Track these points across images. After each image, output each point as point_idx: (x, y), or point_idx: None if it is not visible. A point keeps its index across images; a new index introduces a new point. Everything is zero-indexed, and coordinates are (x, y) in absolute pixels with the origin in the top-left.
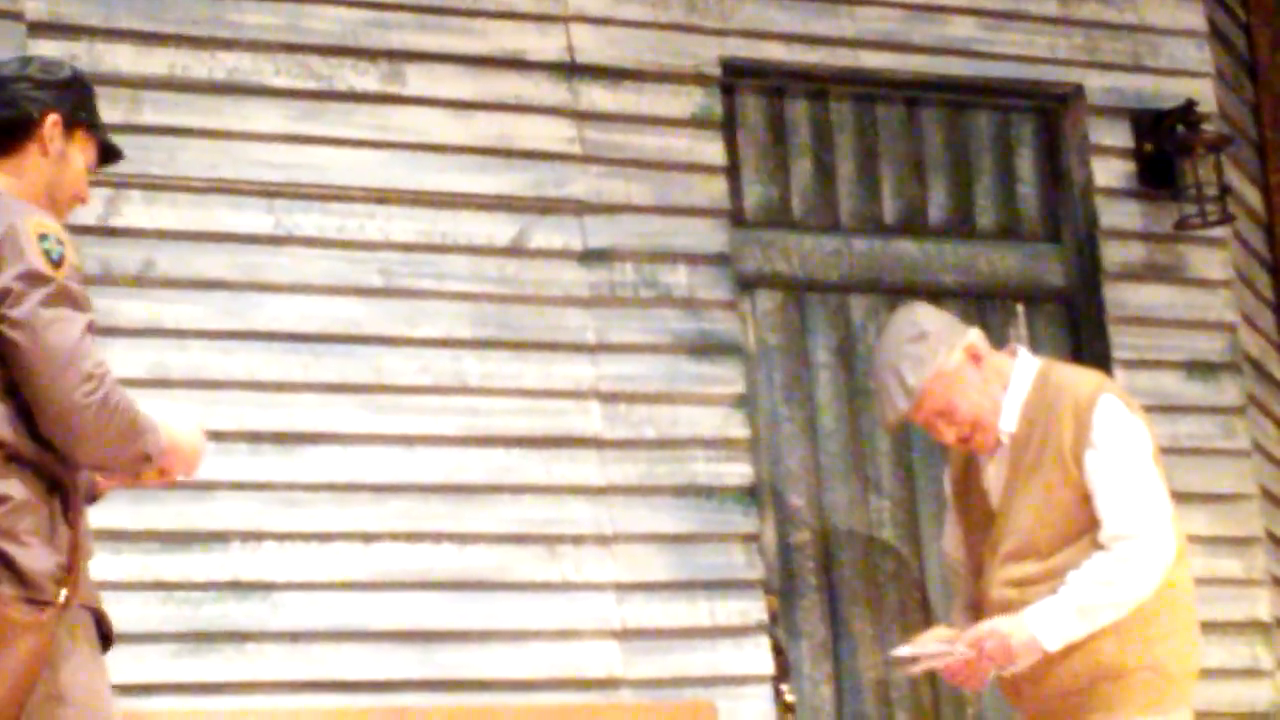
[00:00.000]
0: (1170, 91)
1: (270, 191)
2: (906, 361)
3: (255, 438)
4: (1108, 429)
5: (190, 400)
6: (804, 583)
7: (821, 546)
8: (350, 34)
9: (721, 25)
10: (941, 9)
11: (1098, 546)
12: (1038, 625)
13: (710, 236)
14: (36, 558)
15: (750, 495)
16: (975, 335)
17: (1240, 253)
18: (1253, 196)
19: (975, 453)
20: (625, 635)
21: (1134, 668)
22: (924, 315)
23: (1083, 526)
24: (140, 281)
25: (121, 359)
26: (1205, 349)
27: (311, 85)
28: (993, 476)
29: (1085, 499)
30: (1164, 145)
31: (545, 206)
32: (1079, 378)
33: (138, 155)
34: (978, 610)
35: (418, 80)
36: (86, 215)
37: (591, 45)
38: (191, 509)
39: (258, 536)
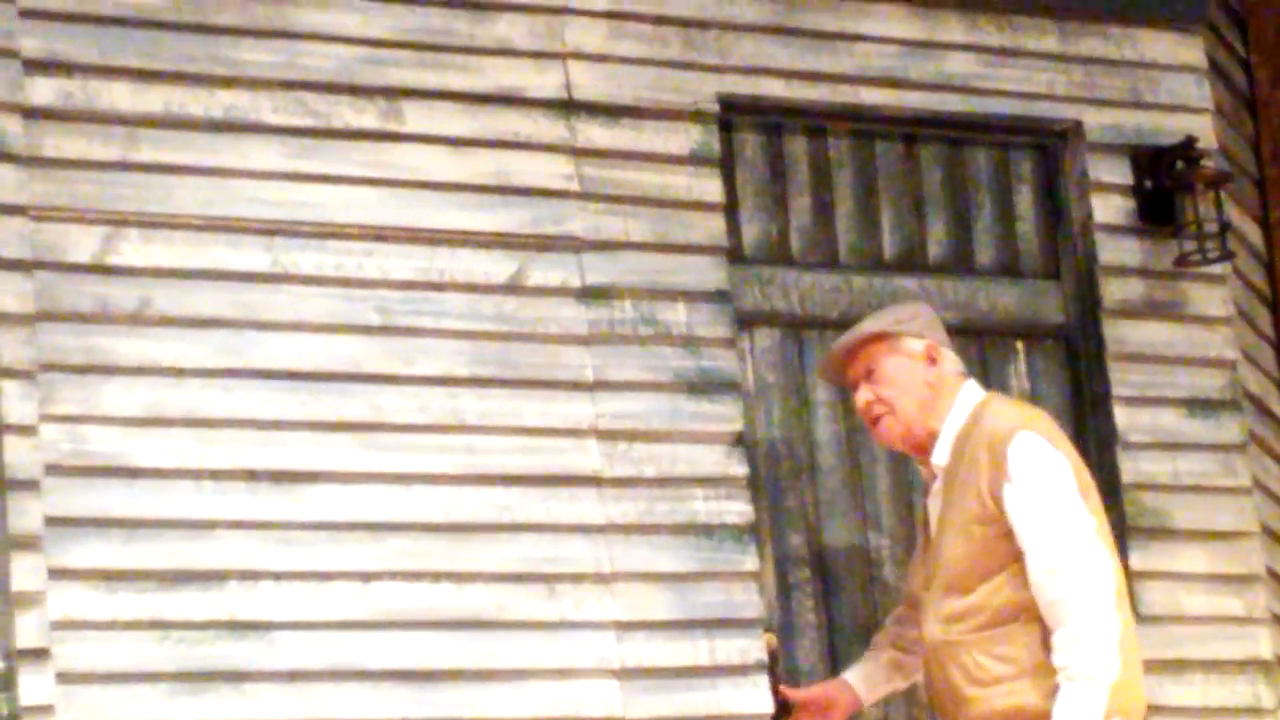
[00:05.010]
0: (1170, 127)
1: (268, 229)
2: (869, 317)
3: (252, 476)
4: (1023, 464)
5: (187, 439)
6: (803, 621)
7: (821, 585)
8: (348, 71)
9: (719, 62)
10: (940, 45)
11: (1016, 578)
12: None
13: (709, 274)
14: None
15: (749, 533)
16: (950, 355)
17: (1240, 289)
18: (1253, 233)
19: (879, 442)
20: (625, 674)
21: (1049, 712)
22: (913, 304)
23: (1002, 562)
24: (137, 320)
25: (118, 398)
26: (1206, 386)
27: (309, 123)
28: (932, 508)
29: (1004, 535)
30: (1164, 181)
31: (543, 244)
32: (1003, 415)
33: (134, 193)
34: (894, 647)
35: (415, 118)
36: (82, 253)
37: (589, 82)
38: (188, 548)
39: (255, 575)
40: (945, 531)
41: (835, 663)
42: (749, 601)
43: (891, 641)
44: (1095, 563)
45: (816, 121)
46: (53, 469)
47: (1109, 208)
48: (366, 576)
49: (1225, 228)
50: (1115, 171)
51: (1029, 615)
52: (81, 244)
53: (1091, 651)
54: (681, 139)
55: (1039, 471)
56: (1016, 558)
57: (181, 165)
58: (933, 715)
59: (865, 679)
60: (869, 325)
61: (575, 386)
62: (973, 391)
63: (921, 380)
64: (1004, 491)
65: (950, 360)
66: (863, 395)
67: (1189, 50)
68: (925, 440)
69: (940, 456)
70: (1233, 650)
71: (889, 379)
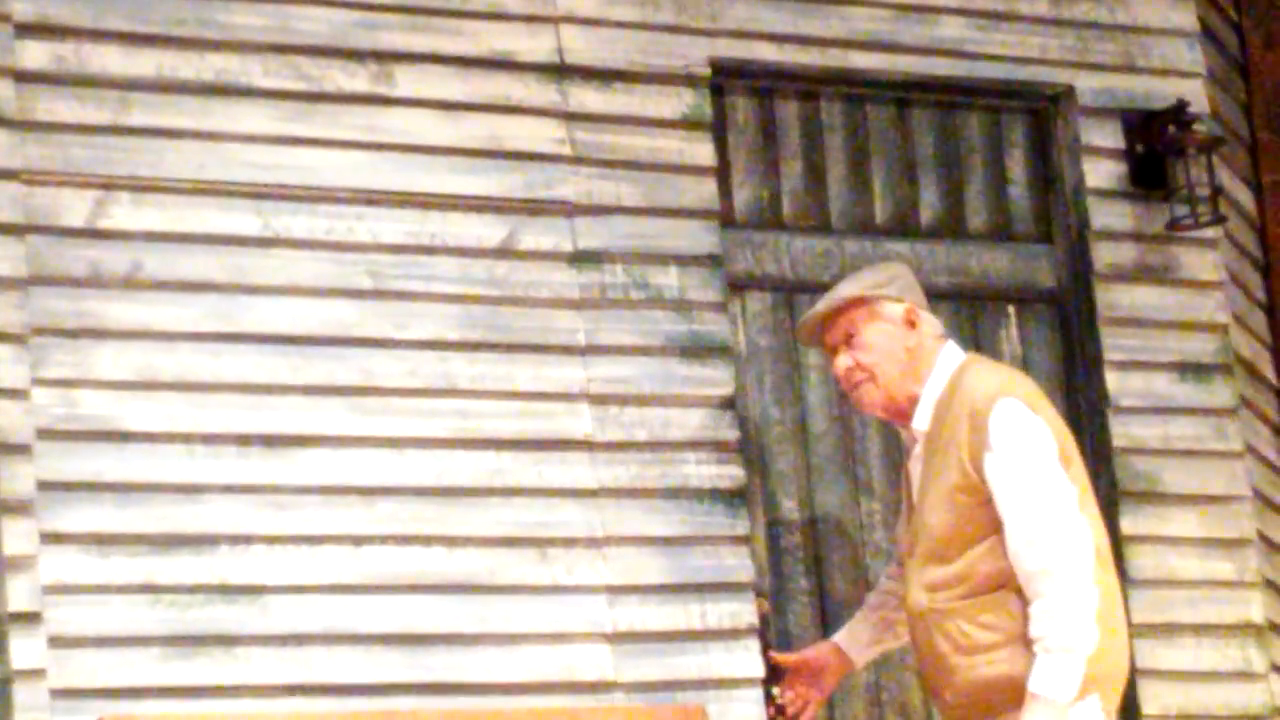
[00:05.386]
0: (1161, 92)
1: (259, 193)
2: (847, 280)
3: (244, 440)
4: (1005, 432)
5: (179, 403)
6: (795, 585)
7: (812, 549)
8: (339, 35)
9: (711, 26)
10: (932, 9)
11: (1000, 546)
12: (1043, 689)
13: (700, 238)
14: None
15: (741, 498)
16: (928, 317)
17: (1232, 254)
18: (1244, 197)
19: (859, 408)
20: (616, 638)
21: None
22: (891, 266)
23: (985, 530)
24: (128, 283)
25: (110, 361)
26: (1197, 350)
27: (300, 86)
28: (913, 473)
29: (986, 503)
30: (1155, 146)
31: (535, 208)
32: (984, 380)
33: (126, 157)
34: (885, 607)
35: (407, 81)
36: (74, 216)
37: (581, 46)
38: (180, 511)
39: (247, 539)
40: (927, 498)
41: (826, 626)
42: (740, 566)
43: (883, 602)
44: (1074, 534)
45: (808, 85)
46: (44, 433)
47: (1101, 172)
48: (358, 540)
49: (1217, 192)
50: (1107, 136)
51: (1014, 584)
52: (73, 208)
53: (1068, 623)
54: (673, 103)
55: (1019, 440)
56: (1000, 526)
57: (173, 129)
58: (923, 682)
59: (856, 640)
60: (847, 289)
61: (567, 351)
62: (952, 354)
63: (901, 345)
64: (985, 460)
65: (929, 323)
66: (842, 361)
67: (1181, 14)
68: (906, 405)
69: (921, 422)
70: (1223, 614)
71: (869, 345)
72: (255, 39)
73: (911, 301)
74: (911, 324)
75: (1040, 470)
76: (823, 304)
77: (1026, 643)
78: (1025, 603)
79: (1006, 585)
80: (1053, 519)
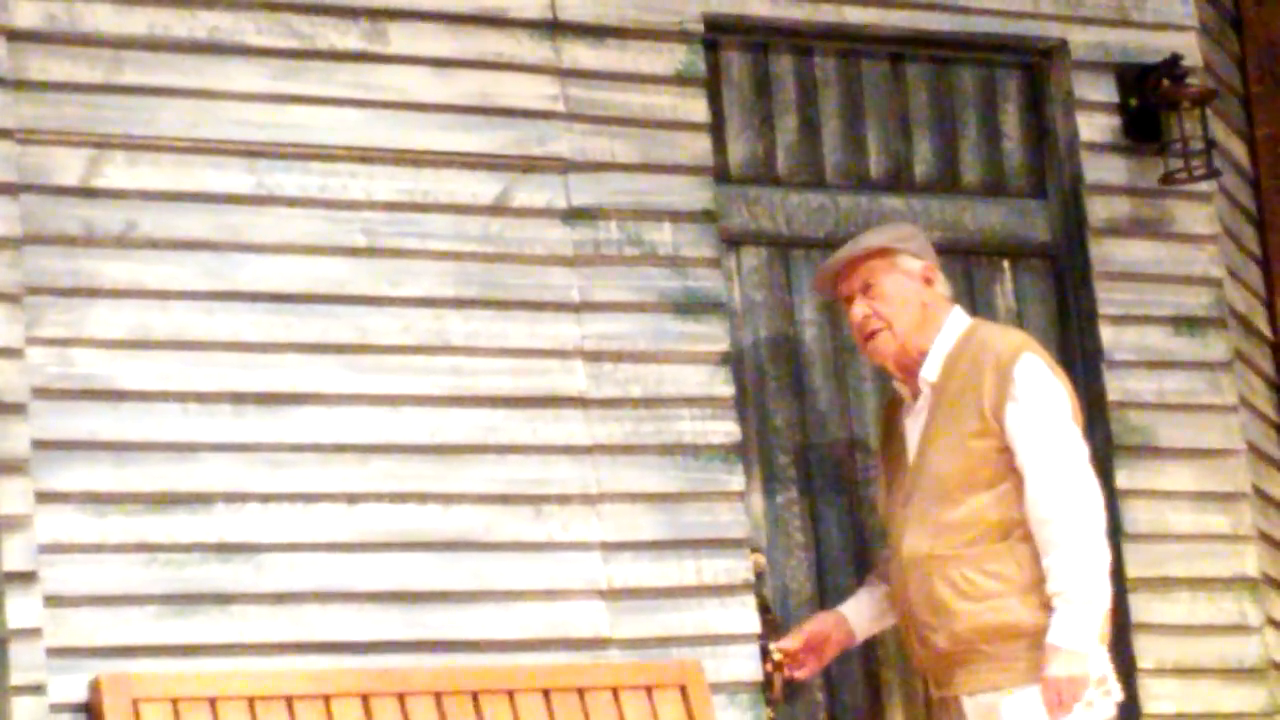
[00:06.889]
0: (1155, 45)
1: (252, 151)
2: (869, 232)
3: (238, 398)
4: (1029, 385)
5: (173, 362)
6: (791, 541)
7: (808, 504)
8: None
9: None
10: None
11: (1009, 496)
12: (1066, 642)
13: (695, 194)
14: None
15: (736, 453)
16: (942, 278)
17: (1226, 207)
18: (1238, 150)
19: (872, 358)
20: (612, 595)
21: (1039, 629)
22: (908, 225)
23: (994, 476)
24: (122, 242)
25: (104, 320)
26: (1191, 304)
27: (293, 44)
28: (911, 426)
29: (1001, 450)
30: (1149, 99)
31: (528, 165)
32: (1004, 336)
33: (119, 115)
34: (888, 582)
35: (400, 38)
36: (68, 175)
37: (574, 2)
38: (175, 470)
39: (242, 498)
40: (932, 446)
41: (823, 582)
42: (736, 521)
43: (885, 575)
44: (1091, 489)
45: (802, 40)
46: (39, 392)
47: (1095, 126)
48: (353, 498)
49: (1211, 145)
50: (1101, 90)
51: (1021, 534)
52: (67, 167)
53: (1091, 577)
54: (667, 59)
55: (1043, 394)
56: (1009, 474)
57: (166, 87)
58: (908, 627)
59: (861, 613)
60: (870, 239)
61: (561, 307)
62: (961, 316)
63: (917, 299)
64: (1007, 410)
65: (942, 284)
66: (859, 310)
67: None
68: (915, 359)
69: (930, 372)
70: (1219, 568)
71: (887, 295)
72: None
73: (929, 260)
74: (928, 281)
75: (1062, 424)
76: (845, 251)
77: (1031, 592)
78: (1032, 553)
79: (1014, 535)
80: (1072, 470)
